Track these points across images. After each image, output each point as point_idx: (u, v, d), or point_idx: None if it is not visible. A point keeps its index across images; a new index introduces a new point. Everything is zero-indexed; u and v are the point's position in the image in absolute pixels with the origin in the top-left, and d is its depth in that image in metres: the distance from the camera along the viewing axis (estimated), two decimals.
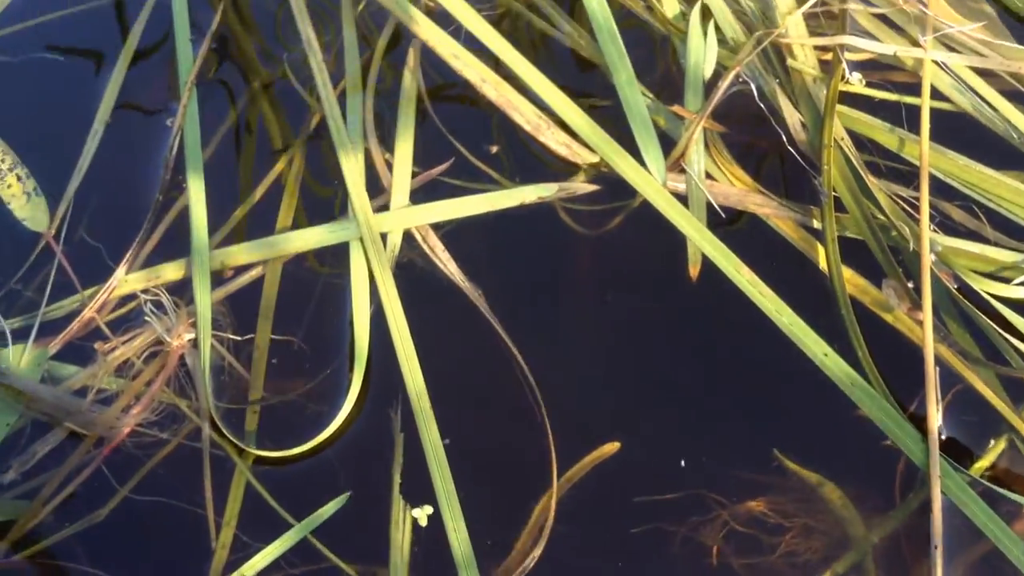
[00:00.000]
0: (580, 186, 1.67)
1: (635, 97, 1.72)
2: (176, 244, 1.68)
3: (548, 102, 1.74)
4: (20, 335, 1.58)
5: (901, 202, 1.63)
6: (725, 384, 1.54)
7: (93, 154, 1.77)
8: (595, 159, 1.70)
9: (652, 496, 1.46)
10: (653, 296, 1.63)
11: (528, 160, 1.74)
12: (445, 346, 1.58)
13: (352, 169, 1.69)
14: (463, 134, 1.77)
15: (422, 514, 1.45)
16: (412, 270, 1.65)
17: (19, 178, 1.70)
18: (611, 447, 1.49)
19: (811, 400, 1.52)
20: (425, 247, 1.64)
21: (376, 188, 1.73)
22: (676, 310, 1.61)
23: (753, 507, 1.44)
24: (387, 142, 1.77)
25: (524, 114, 1.74)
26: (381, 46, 1.89)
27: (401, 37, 1.89)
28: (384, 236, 1.65)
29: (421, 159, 1.77)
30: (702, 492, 1.46)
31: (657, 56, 1.85)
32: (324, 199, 1.74)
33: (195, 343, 1.54)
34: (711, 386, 1.54)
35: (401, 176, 1.69)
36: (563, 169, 1.74)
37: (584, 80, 1.83)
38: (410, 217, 1.65)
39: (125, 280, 1.61)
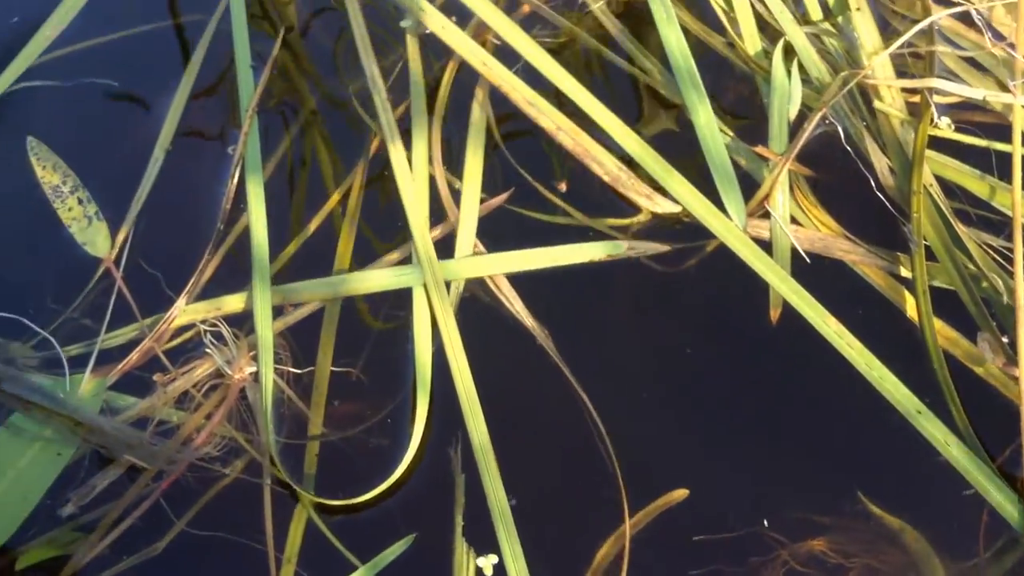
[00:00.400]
0: (651, 245, 1.62)
1: (715, 140, 1.66)
2: (234, 274, 1.63)
3: (627, 150, 1.69)
4: (76, 363, 1.52)
5: (993, 252, 1.55)
6: (799, 426, 1.49)
7: (153, 181, 1.71)
8: (677, 209, 1.63)
9: (711, 535, 1.41)
10: (729, 337, 1.57)
11: (600, 193, 1.68)
12: (508, 386, 1.54)
13: (416, 211, 1.64)
14: (532, 161, 1.73)
15: (487, 563, 1.40)
16: (476, 304, 1.60)
17: (80, 201, 1.66)
18: (679, 494, 1.43)
19: (887, 443, 1.47)
20: (491, 284, 1.59)
21: (439, 215, 1.68)
22: (753, 352, 1.56)
23: (814, 546, 1.39)
24: (451, 169, 1.72)
25: (603, 164, 1.68)
26: (447, 80, 1.83)
27: (465, 68, 1.82)
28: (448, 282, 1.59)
29: (487, 185, 1.72)
30: (762, 531, 1.41)
31: (737, 92, 1.78)
32: (385, 230, 1.68)
33: (256, 377, 1.48)
34: (785, 428, 1.49)
35: (468, 220, 1.65)
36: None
37: (659, 115, 1.76)
38: (475, 267, 1.62)
39: (184, 310, 1.55)
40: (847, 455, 1.47)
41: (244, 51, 1.84)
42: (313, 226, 1.70)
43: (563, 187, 1.69)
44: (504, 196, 1.67)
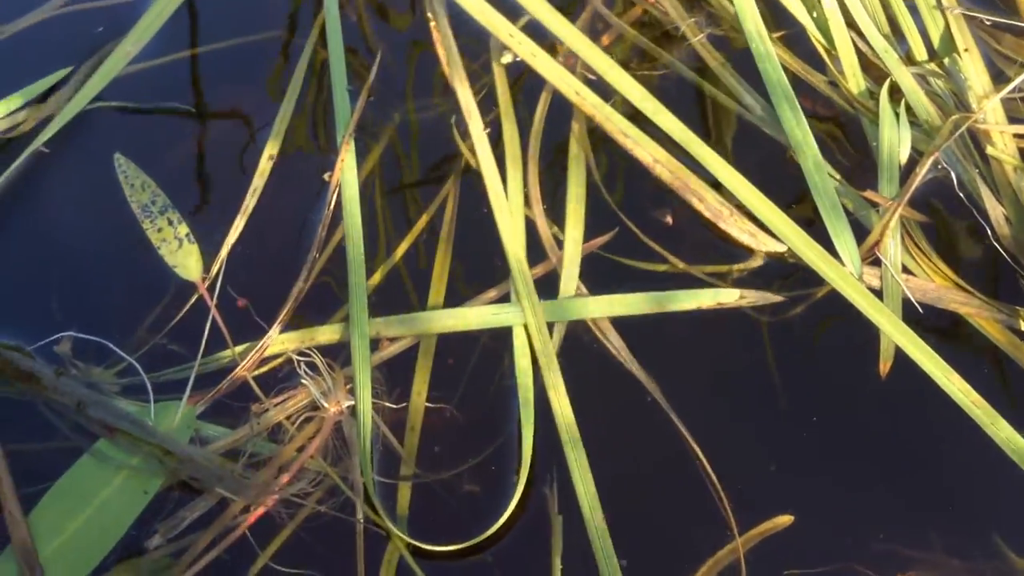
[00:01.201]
0: (764, 295, 1.56)
1: (824, 182, 1.61)
2: (326, 300, 1.60)
3: (728, 186, 1.63)
4: (161, 390, 1.48)
5: None
6: (907, 473, 1.45)
7: (248, 206, 1.67)
8: (782, 249, 1.57)
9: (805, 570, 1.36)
10: (838, 386, 1.52)
11: (706, 237, 1.62)
12: (611, 429, 1.49)
13: (515, 247, 1.60)
14: (633, 202, 1.67)
15: None
16: (576, 345, 1.56)
17: (171, 222, 1.62)
18: (784, 520, 1.40)
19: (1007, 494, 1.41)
20: (593, 327, 1.54)
21: (538, 253, 1.64)
22: (862, 405, 1.51)
23: None
24: (551, 210, 1.67)
25: (703, 199, 1.63)
26: (540, 113, 1.78)
27: (563, 102, 1.78)
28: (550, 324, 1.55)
29: (586, 226, 1.67)
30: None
31: (842, 133, 1.73)
32: (480, 263, 1.65)
33: (353, 411, 1.43)
34: (894, 476, 1.45)
35: (571, 260, 1.60)
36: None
37: (762, 156, 1.71)
38: (579, 309, 1.57)
39: (277, 339, 1.51)
40: (962, 503, 1.42)
41: (340, 74, 1.80)
42: (402, 254, 1.65)
43: (669, 219, 1.64)
44: (607, 237, 1.62)
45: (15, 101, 1.77)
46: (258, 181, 1.70)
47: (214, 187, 1.73)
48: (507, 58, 1.84)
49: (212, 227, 1.66)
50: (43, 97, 1.80)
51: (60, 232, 1.68)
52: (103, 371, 1.51)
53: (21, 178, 1.72)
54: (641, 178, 1.70)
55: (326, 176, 1.69)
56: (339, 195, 1.67)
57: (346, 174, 1.68)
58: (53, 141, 1.73)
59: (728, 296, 1.55)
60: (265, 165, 1.72)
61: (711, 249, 1.63)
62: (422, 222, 1.69)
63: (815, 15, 1.83)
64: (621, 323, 1.57)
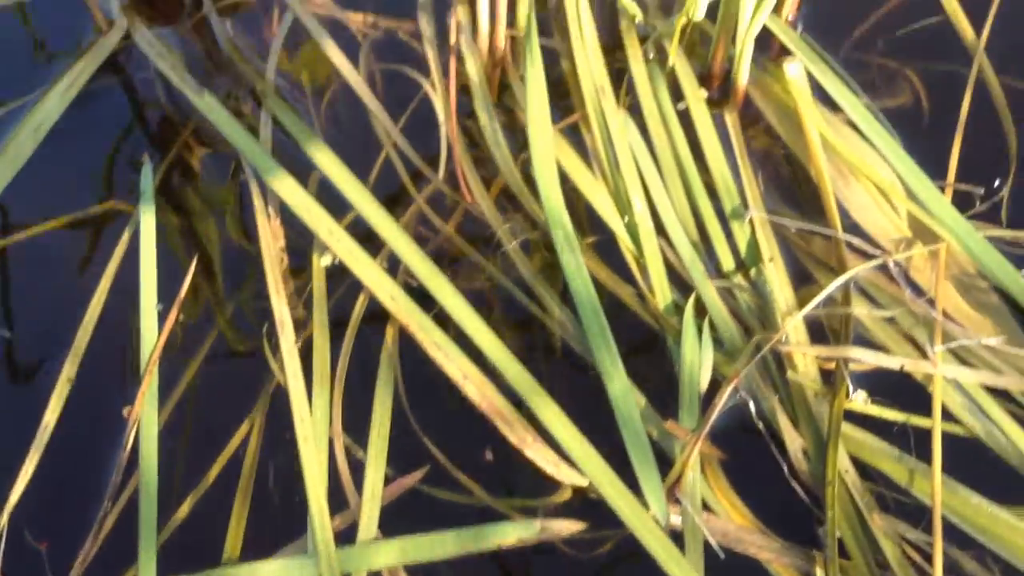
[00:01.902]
0: (565, 525, 1.54)
1: (630, 412, 1.60)
2: (122, 558, 1.54)
3: (534, 408, 1.60)
4: None
5: (910, 547, 1.49)
6: None
7: (39, 448, 1.60)
8: (583, 483, 1.55)
9: None
10: None
11: (519, 470, 1.61)
12: None
13: (316, 488, 1.54)
14: (442, 432, 1.64)
15: None
16: None
17: None
18: None
19: None
20: None
21: (340, 498, 1.58)
22: None
23: None
24: (354, 435, 1.63)
25: (509, 422, 1.60)
26: (355, 320, 1.74)
27: (379, 313, 1.74)
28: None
29: (394, 458, 1.63)
30: None
31: (648, 350, 1.72)
32: (284, 503, 1.59)
33: None
34: None
35: (372, 498, 1.56)
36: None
37: (575, 376, 1.69)
38: (377, 556, 1.52)
39: None
40: None
41: (151, 293, 1.74)
42: (203, 498, 1.59)
43: (489, 456, 1.61)
44: (413, 478, 1.59)
45: None
46: (50, 416, 1.62)
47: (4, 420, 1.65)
48: (327, 259, 1.80)
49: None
50: None
51: None
52: None
53: None
54: (451, 396, 1.65)
55: (125, 412, 1.62)
56: (137, 434, 1.60)
57: (146, 409, 1.62)
58: None
59: (529, 530, 1.51)
60: (62, 389, 1.64)
61: (524, 480, 1.59)
62: (226, 457, 1.62)
63: (626, 219, 1.82)
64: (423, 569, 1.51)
